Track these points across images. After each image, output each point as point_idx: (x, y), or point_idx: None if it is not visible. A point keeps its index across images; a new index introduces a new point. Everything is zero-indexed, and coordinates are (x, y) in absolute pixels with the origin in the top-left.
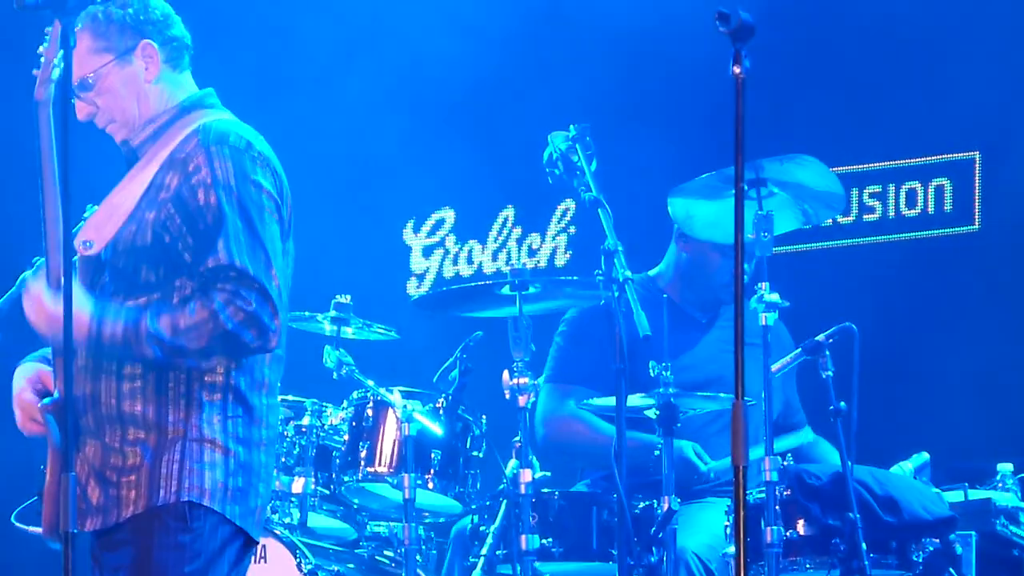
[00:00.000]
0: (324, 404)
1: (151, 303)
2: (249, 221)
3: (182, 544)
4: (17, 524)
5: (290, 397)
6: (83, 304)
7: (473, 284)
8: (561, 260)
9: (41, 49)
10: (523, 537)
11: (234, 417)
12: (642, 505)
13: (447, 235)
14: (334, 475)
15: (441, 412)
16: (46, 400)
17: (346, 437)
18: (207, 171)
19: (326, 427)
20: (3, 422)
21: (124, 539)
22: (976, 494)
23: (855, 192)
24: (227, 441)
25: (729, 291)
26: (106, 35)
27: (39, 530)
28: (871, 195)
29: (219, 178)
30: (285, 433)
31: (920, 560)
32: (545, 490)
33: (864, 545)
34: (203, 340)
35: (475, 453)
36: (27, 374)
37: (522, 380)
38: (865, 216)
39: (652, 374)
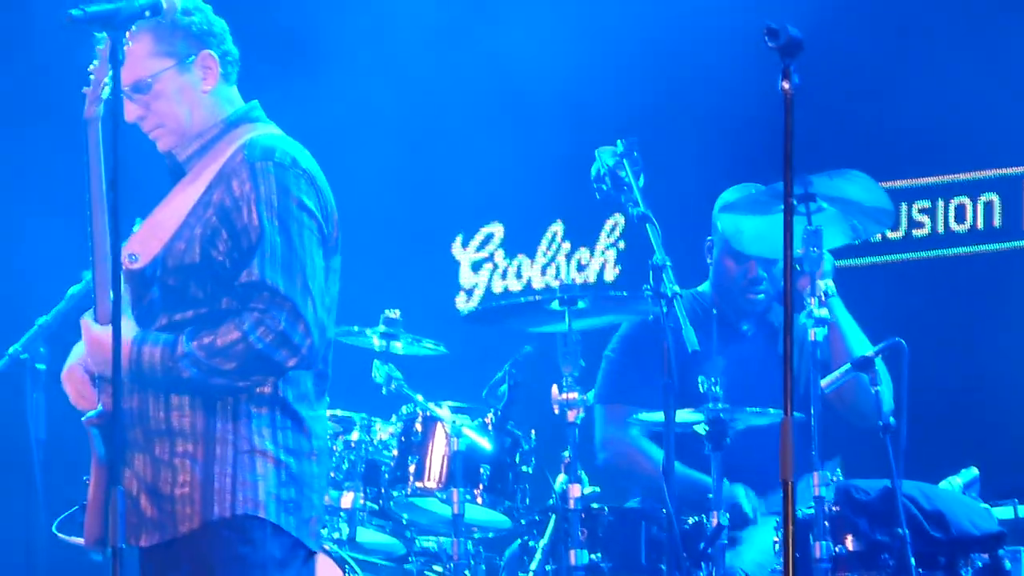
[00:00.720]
0: (373, 419)
1: (194, 320)
2: (288, 238)
3: (242, 556)
4: (58, 534)
5: (339, 412)
6: (127, 331)
7: (523, 299)
8: (610, 275)
9: (91, 68)
10: (572, 552)
11: (283, 428)
12: (691, 521)
13: (496, 250)
14: (383, 490)
15: (490, 427)
16: (91, 413)
17: (395, 452)
18: (251, 187)
19: (375, 442)
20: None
21: (180, 555)
22: None
23: (904, 207)
24: (277, 452)
25: (748, 298)
26: (170, 40)
27: (80, 541)
28: (920, 210)
29: (261, 194)
30: (334, 448)
31: (969, 575)
32: (594, 505)
33: (913, 560)
34: (235, 362)
35: (524, 468)
36: (78, 353)
37: (571, 395)
38: (914, 231)
39: (701, 389)
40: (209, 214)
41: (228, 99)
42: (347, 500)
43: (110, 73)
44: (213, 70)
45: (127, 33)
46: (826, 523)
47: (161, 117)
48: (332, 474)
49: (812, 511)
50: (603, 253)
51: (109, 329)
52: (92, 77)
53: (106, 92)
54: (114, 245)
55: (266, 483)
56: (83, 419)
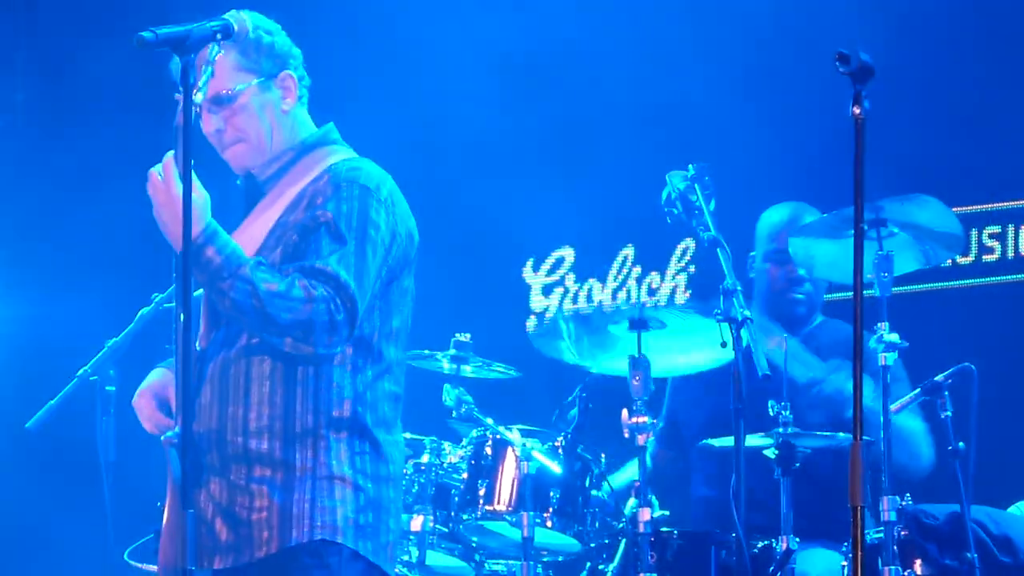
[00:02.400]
0: (443, 442)
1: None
2: (363, 253)
3: None
4: (130, 562)
5: (409, 435)
6: (200, 215)
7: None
8: (681, 299)
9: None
10: None
11: (361, 453)
12: (760, 545)
13: (567, 273)
14: (452, 513)
15: (560, 451)
16: (169, 433)
17: (465, 475)
18: (335, 205)
19: (445, 465)
20: (120, 458)
21: None
22: None
23: (974, 232)
24: (356, 477)
25: (789, 298)
26: (255, 57)
27: (154, 568)
28: (990, 235)
29: (343, 210)
30: (404, 471)
31: None
32: (664, 529)
33: None
34: (290, 314)
35: (594, 492)
36: (155, 378)
37: (641, 419)
38: (984, 256)
39: (771, 413)
40: (290, 235)
41: (304, 121)
42: (417, 523)
43: (205, 74)
44: (292, 90)
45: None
46: (895, 548)
47: (241, 131)
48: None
49: (881, 535)
50: (674, 277)
51: (178, 193)
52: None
53: (199, 97)
54: (185, 266)
55: (344, 508)
56: (162, 439)
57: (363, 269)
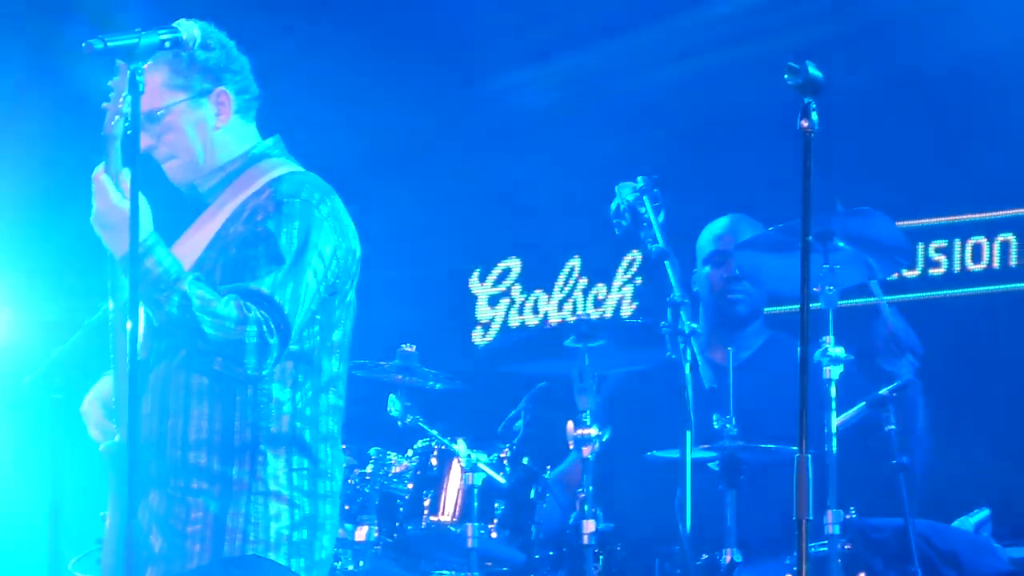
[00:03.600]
0: (388, 452)
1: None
2: (300, 278)
3: None
4: (76, 573)
5: (354, 445)
6: (144, 227)
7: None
8: (627, 311)
9: (111, 82)
10: None
11: (299, 469)
12: (704, 557)
13: (513, 284)
14: (398, 523)
15: (505, 462)
16: (108, 443)
17: (410, 485)
18: (275, 222)
19: (390, 475)
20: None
21: None
22: None
23: (921, 246)
24: (292, 494)
25: (728, 298)
26: (186, 74)
27: None
28: (937, 249)
29: (283, 227)
30: (349, 481)
31: None
32: (608, 541)
33: None
34: (222, 333)
35: (539, 503)
36: (104, 387)
37: (586, 431)
38: (930, 270)
39: (716, 426)
40: (230, 248)
41: (244, 135)
42: (361, 533)
43: (127, 97)
44: (227, 106)
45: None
46: (839, 561)
47: (172, 149)
48: (347, 507)
49: (826, 548)
50: (620, 289)
51: (126, 204)
52: (112, 93)
53: (125, 107)
54: (133, 271)
55: (278, 524)
56: (100, 448)
57: (299, 289)
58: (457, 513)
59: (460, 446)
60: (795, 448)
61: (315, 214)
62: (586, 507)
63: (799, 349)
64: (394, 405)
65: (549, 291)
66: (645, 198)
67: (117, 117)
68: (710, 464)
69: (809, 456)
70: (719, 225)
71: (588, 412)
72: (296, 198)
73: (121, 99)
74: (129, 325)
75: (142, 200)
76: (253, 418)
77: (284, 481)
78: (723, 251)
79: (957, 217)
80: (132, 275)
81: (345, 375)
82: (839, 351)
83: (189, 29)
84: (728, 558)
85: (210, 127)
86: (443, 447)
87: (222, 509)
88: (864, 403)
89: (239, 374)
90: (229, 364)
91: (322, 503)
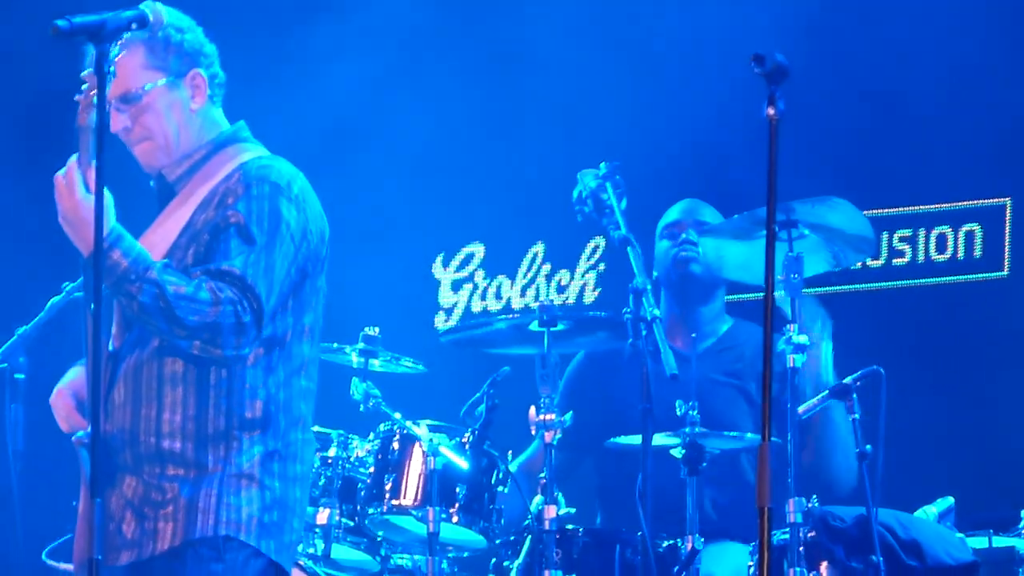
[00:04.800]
0: (350, 436)
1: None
2: (271, 257)
3: (214, 573)
4: (48, 561)
5: (316, 428)
6: (104, 220)
7: (502, 319)
8: (590, 297)
9: (84, 74)
10: (547, 573)
11: (272, 453)
12: (666, 544)
13: (476, 270)
14: (359, 507)
15: (467, 447)
16: (80, 433)
17: (372, 469)
18: (244, 204)
19: (352, 459)
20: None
21: (159, 571)
22: (1000, 541)
23: (885, 236)
24: (263, 476)
25: (679, 258)
26: (163, 55)
27: (70, 567)
28: (901, 239)
29: (253, 209)
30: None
31: None
32: (569, 526)
33: None
34: (197, 317)
35: (500, 488)
36: (72, 377)
37: (548, 416)
38: (895, 260)
39: (678, 413)
40: (202, 235)
41: (214, 120)
42: (323, 516)
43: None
44: (202, 89)
45: (118, 43)
46: (801, 549)
47: (148, 131)
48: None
49: (787, 536)
50: (583, 275)
51: (91, 199)
52: (84, 85)
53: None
54: (97, 259)
55: (250, 507)
56: (73, 439)
57: (271, 269)
58: (418, 497)
59: (422, 430)
60: (757, 436)
61: (284, 197)
62: (548, 492)
63: (763, 337)
64: (356, 389)
65: (512, 277)
66: (608, 185)
67: (90, 109)
68: (672, 451)
69: (771, 444)
70: (676, 207)
71: (550, 398)
72: (265, 182)
73: (93, 92)
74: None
75: (105, 194)
76: (227, 404)
77: (256, 464)
78: (678, 221)
79: (922, 207)
80: (96, 267)
81: (316, 359)
82: (803, 339)
83: (156, 11)
84: (689, 545)
85: (186, 109)
86: (405, 431)
87: (194, 491)
88: (827, 392)
89: (217, 357)
90: (206, 347)
91: (292, 486)
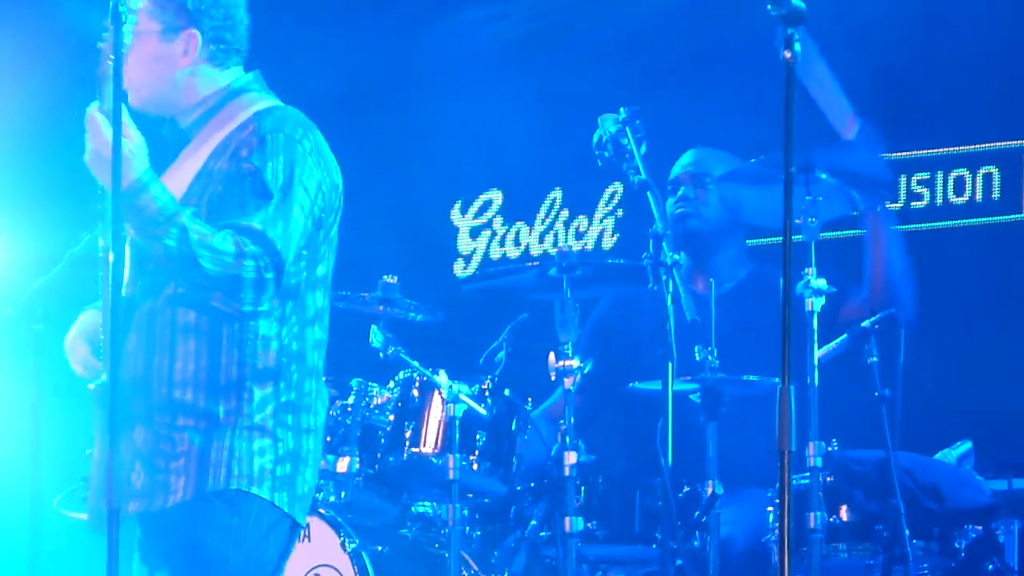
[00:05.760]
0: (370, 384)
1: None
2: (289, 212)
3: (228, 527)
4: (61, 511)
5: (336, 377)
6: (139, 162)
7: (521, 266)
8: (608, 243)
9: (106, 22)
10: (567, 519)
11: (284, 404)
12: (686, 490)
13: (494, 216)
14: (379, 455)
15: (487, 394)
16: (97, 382)
17: (391, 417)
18: (259, 157)
19: (371, 407)
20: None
21: (172, 524)
22: (1020, 483)
23: (903, 179)
24: (276, 428)
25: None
26: (163, 8)
27: (83, 516)
28: (919, 182)
29: (268, 162)
30: (331, 412)
31: (962, 547)
32: (589, 473)
33: (907, 532)
34: (221, 268)
35: (520, 435)
36: (87, 321)
37: (568, 362)
38: (913, 203)
39: (697, 358)
40: (215, 184)
41: (212, 80)
42: (343, 465)
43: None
44: (193, 50)
45: None
46: (821, 493)
47: (129, 76)
48: (328, 439)
49: (807, 481)
50: (601, 221)
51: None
52: (106, 33)
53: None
54: (115, 207)
55: (262, 459)
56: (90, 387)
57: (289, 223)
58: (438, 445)
59: (442, 377)
60: (777, 380)
61: (298, 148)
62: (567, 439)
63: (782, 281)
64: (376, 337)
65: (531, 223)
66: (627, 129)
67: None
68: (692, 396)
69: (791, 388)
70: (680, 160)
71: (570, 344)
72: (280, 132)
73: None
74: (111, 257)
75: (137, 136)
76: (240, 354)
77: (269, 416)
78: (675, 178)
79: (940, 150)
80: (114, 209)
81: (328, 309)
82: (821, 283)
83: None
84: (710, 490)
85: (173, 65)
86: (424, 379)
87: (206, 444)
88: (846, 335)
89: (235, 309)
90: (226, 299)
91: (305, 437)
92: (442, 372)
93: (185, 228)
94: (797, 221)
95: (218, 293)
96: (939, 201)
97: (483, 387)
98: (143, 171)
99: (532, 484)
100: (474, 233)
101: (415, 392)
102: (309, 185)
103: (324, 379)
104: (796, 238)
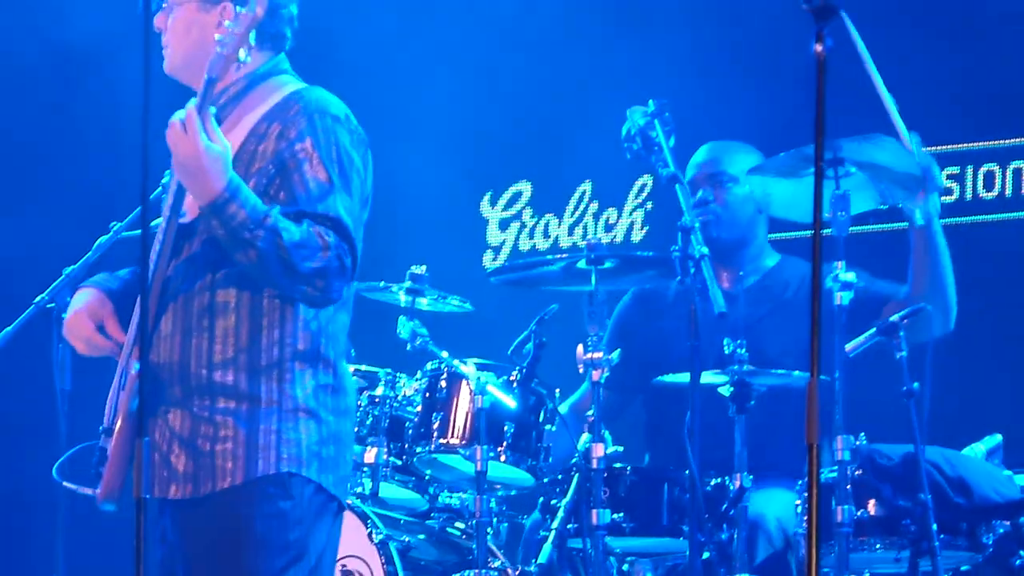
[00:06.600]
0: (398, 375)
1: (240, 273)
2: (350, 191)
3: (283, 512)
4: (62, 482)
5: (364, 367)
6: (223, 168)
7: (549, 258)
8: (637, 235)
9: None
10: (594, 512)
11: (324, 386)
12: (714, 482)
13: (524, 208)
14: (406, 446)
15: (515, 385)
16: (136, 367)
17: (419, 408)
18: (310, 140)
19: (399, 398)
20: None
21: (214, 510)
22: None
23: None
24: (319, 410)
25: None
26: None
27: (88, 491)
28: (949, 177)
29: (322, 144)
30: (359, 403)
31: (990, 542)
32: (617, 465)
33: (935, 526)
34: (312, 263)
35: (548, 427)
36: (87, 298)
37: (596, 355)
38: (942, 198)
39: (726, 351)
40: (258, 166)
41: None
42: (370, 455)
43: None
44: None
45: None
46: (848, 487)
47: (170, 44)
48: (356, 429)
49: (835, 475)
50: (631, 214)
51: (214, 148)
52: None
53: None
54: (144, 194)
55: (308, 440)
56: (132, 374)
57: (353, 207)
58: (466, 436)
59: (469, 368)
60: (806, 373)
61: (345, 130)
62: (595, 431)
63: (809, 272)
64: (404, 327)
65: (560, 215)
66: (656, 122)
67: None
68: (720, 389)
69: (820, 381)
70: (696, 154)
71: (598, 336)
72: (326, 114)
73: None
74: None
75: (223, 140)
76: (280, 336)
77: (312, 397)
78: (694, 179)
79: (969, 144)
80: (143, 206)
81: (354, 293)
82: (850, 276)
83: None
84: (738, 483)
85: (208, 35)
86: (452, 370)
87: (252, 427)
88: (875, 329)
89: (321, 300)
90: (316, 293)
91: (344, 419)
92: (470, 363)
93: (275, 230)
94: (826, 215)
95: (309, 288)
96: (969, 196)
97: (511, 378)
98: (230, 179)
99: (559, 476)
100: (503, 225)
101: (443, 383)
102: (360, 167)
103: (352, 370)
104: (826, 232)
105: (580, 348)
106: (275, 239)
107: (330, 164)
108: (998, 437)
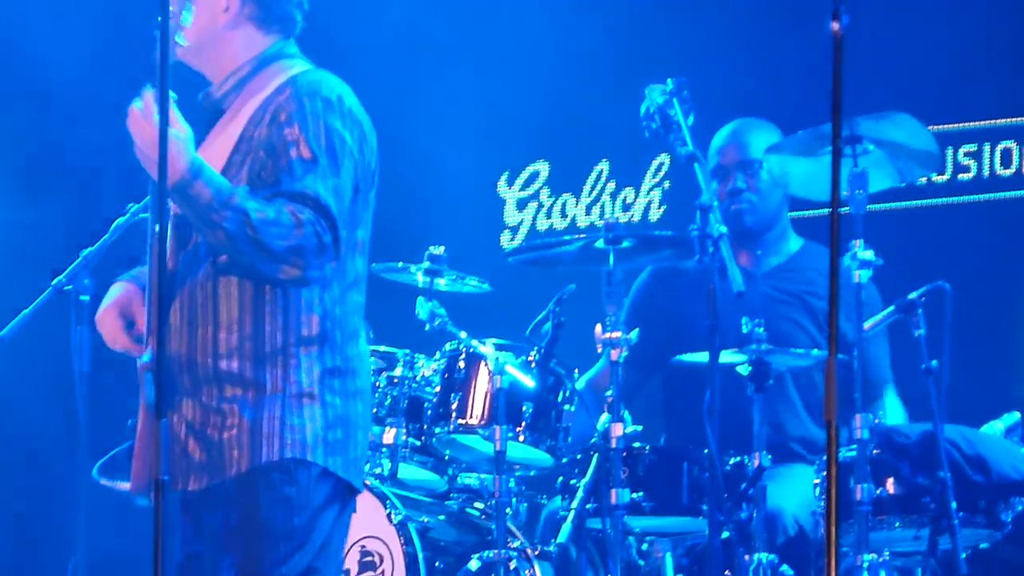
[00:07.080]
0: (416, 355)
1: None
2: (337, 171)
3: (288, 498)
4: (101, 480)
5: (382, 348)
6: (182, 151)
7: (567, 237)
8: (655, 215)
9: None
10: (613, 491)
11: (331, 369)
12: (733, 461)
13: (541, 188)
14: (425, 426)
15: (533, 365)
16: (145, 358)
17: (438, 388)
18: (298, 124)
19: (418, 378)
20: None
21: (226, 498)
22: None
23: (950, 151)
24: (324, 393)
25: (732, 210)
26: None
27: (125, 486)
28: (966, 154)
29: (310, 126)
30: (377, 384)
31: (1009, 520)
32: (636, 445)
33: (953, 504)
34: (284, 241)
35: (567, 407)
36: (118, 296)
37: (615, 334)
38: (960, 175)
39: (744, 330)
40: (257, 152)
41: (250, 44)
42: (389, 436)
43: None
44: (233, 7)
45: None
46: (867, 466)
47: (180, 25)
48: (375, 410)
49: (854, 453)
50: (648, 193)
51: (170, 133)
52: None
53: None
54: (160, 182)
55: (313, 425)
56: (139, 365)
57: (338, 186)
58: (485, 416)
59: (488, 349)
60: (824, 352)
61: (336, 113)
62: (614, 410)
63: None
64: (422, 308)
65: (577, 195)
66: (675, 100)
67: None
68: (738, 368)
69: (838, 359)
70: (720, 136)
71: (616, 316)
72: (317, 97)
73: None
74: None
75: (183, 124)
76: (283, 321)
77: (316, 381)
78: (723, 165)
79: (987, 122)
80: (159, 197)
81: (367, 273)
82: (868, 255)
83: None
84: (756, 462)
85: (215, 18)
86: (471, 350)
87: (257, 415)
88: (893, 307)
89: (299, 278)
90: (292, 271)
91: (353, 401)
92: (488, 343)
93: (243, 209)
94: (844, 193)
95: (284, 266)
96: (986, 173)
97: (529, 358)
98: (191, 161)
99: (578, 456)
100: (521, 205)
101: (461, 363)
102: (352, 149)
103: (371, 351)
104: (843, 210)
105: (598, 328)
106: (242, 218)
107: (317, 146)
108: (1016, 415)
